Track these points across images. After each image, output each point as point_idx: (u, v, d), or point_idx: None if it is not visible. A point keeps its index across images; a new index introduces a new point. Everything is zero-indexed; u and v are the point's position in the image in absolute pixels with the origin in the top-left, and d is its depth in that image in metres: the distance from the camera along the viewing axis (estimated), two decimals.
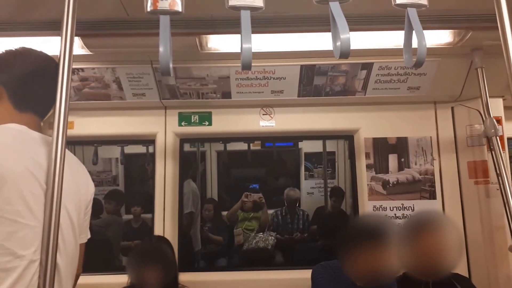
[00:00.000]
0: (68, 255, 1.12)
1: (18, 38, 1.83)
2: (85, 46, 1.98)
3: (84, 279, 1.37)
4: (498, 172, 2.16)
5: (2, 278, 0.95)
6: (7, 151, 1.02)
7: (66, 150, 1.09)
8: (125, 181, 5.52)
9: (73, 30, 1.10)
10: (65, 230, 1.11)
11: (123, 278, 2.22)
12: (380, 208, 2.55)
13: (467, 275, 2.40)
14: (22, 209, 0.99)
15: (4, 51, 1.20)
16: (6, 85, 1.15)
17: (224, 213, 4.51)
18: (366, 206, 2.56)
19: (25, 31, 1.78)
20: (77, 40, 1.90)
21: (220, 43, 2.10)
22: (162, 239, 2.41)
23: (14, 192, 0.99)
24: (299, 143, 5.54)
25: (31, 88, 1.16)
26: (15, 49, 1.20)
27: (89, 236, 1.34)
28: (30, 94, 1.16)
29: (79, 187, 1.23)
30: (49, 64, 1.14)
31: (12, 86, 1.15)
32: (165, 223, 2.56)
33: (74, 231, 1.16)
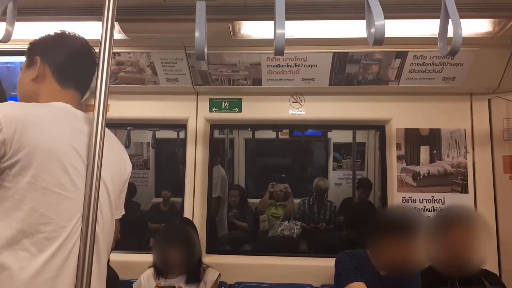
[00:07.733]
0: (105, 227, 1.19)
1: (55, 23, 1.85)
2: (122, 31, 2.05)
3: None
4: None
5: (46, 245, 1.02)
6: (52, 127, 1.08)
7: (107, 129, 1.15)
8: (155, 165, 5.67)
9: (114, 15, 1.14)
10: (103, 203, 1.17)
11: (149, 258, 2.30)
12: (410, 200, 2.53)
13: (497, 272, 2.35)
14: (66, 182, 1.06)
15: (45, 35, 1.30)
16: (50, 62, 1.24)
17: (250, 200, 4.56)
18: (395, 197, 2.54)
19: (66, 16, 1.82)
20: (115, 25, 1.95)
21: (253, 29, 2.12)
22: (187, 221, 2.48)
23: (59, 166, 1.05)
24: (328, 133, 5.49)
25: (71, 66, 1.25)
26: (54, 32, 1.30)
27: (123, 212, 1.40)
28: (71, 71, 1.25)
29: (117, 165, 1.30)
30: (83, 45, 1.27)
31: (55, 63, 1.24)
32: (194, 207, 2.63)
33: (111, 205, 1.23)
